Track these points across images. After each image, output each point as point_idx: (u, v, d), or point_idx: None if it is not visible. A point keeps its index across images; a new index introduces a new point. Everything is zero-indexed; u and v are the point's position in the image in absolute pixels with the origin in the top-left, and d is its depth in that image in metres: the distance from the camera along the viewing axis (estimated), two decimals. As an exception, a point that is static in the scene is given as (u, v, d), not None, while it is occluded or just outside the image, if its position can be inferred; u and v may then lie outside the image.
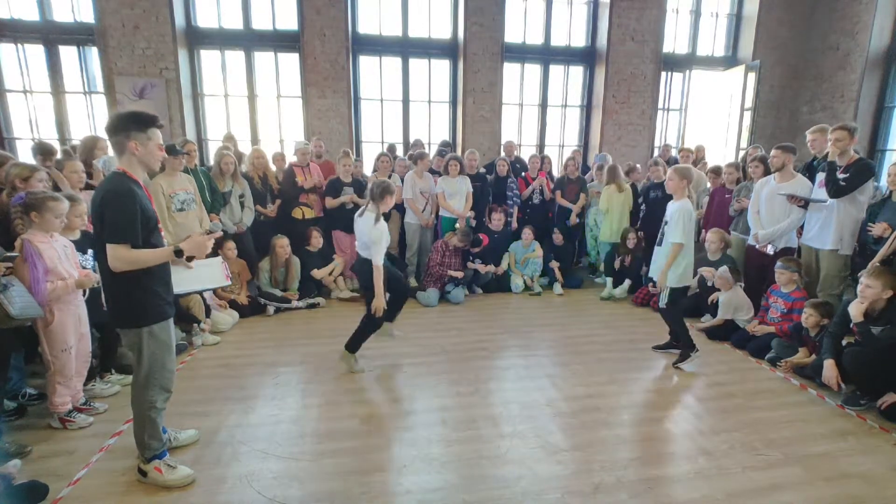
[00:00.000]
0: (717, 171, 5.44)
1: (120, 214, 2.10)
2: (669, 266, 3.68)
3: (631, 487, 2.43)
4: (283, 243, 5.01)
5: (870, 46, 6.91)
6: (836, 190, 3.77)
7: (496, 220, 5.80)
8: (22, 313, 2.49)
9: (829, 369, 3.20)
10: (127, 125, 2.17)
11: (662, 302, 3.85)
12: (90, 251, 3.15)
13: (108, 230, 2.10)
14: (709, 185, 5.67)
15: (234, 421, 2.97)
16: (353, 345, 3.69)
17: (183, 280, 2.65)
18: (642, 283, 5.42)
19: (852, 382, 3.28)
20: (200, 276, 2.95)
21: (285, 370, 3.69)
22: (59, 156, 4.33)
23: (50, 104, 6.68)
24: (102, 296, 3.16)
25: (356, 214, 3.68)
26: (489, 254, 5.78)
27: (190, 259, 2.38)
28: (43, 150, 4.28)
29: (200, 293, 4.15)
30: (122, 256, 2.10)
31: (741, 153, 7.02)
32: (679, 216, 3.60)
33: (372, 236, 3.42)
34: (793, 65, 8.02)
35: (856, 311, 3.15)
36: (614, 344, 4.26)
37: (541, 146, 8.17)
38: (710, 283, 4.70)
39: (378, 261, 3.45)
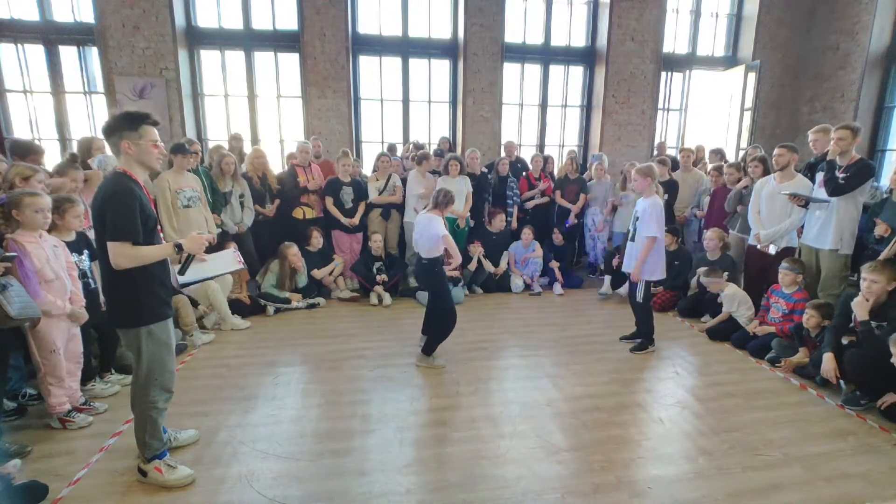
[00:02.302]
0: (719, 171, 5.44)
1: (120, 212, 2.10)
2: (644, 260, 3.86)
3: (631, 487, 2.43)
4: (293, 251, 4.98)
5: (870, 46, 6.91)
6: (835, 188, 3.77)
7: (497, 222, 5.81)
8: (21, 313, 2.49)
9: (828, 362, 3.21)
10: (119, 126, 2.18)
11: (638, 296, 4.00)
12: (86, 252, 3.15)
13: (109, 228, 2.10)
14: (710, 184, 5.66)
15: (234, 421, 2.97)
16: (433, 349, 3.77)
17: (196, 270, 2.64)
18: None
19: (852, 382, 3.28)
20: (214, 266, 2.96)
21: (285, 370, 3.69)
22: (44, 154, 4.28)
23: (50, 104, 6.68)
24: (101, 297, 3.19)
25: (418, 215, 3.88)
26: (489, 254, 5.79)
27: (190, 257, 2.37)
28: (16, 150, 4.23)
29: (214, 278, 4.18)
30: (124, 253, 2.11)
31: (741, 153, 7.02)
32: (651, 211, 3.80)
33: (430, 229, 3.62)
34: (793, 65, 8.02)
35: (861, 309, 3.14)
36: (614, 344, 4.26)
37: (541, 146, 8.18)
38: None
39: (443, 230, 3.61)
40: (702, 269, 4.73)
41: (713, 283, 4.52)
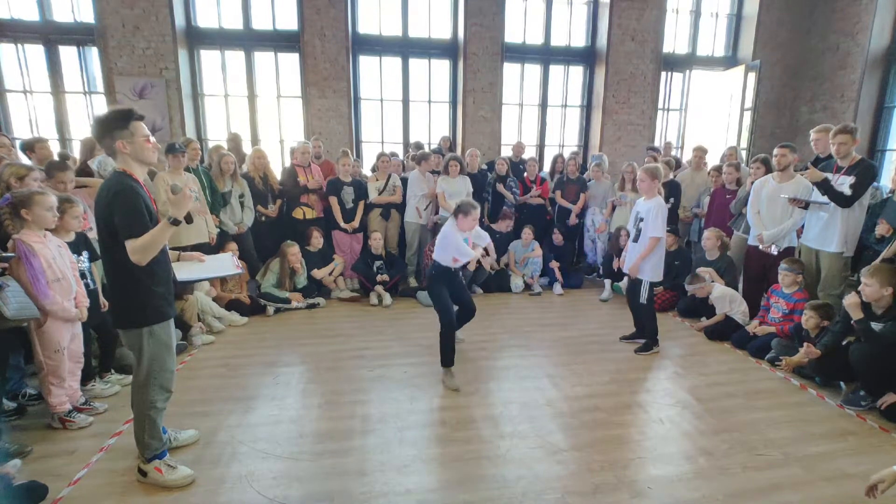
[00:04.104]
0: (719, 171, 5.45)
1: (128, 212, 2.10)
2: (643, 258, 3.87)
3: (631, 487, 2.43)
4: (294, 251, 4.99)
5: (870, 46, 6.91)
6: (846, 200, 3.76)
7: (504, 226, 5.82)
8: (18, 314, 2.48)
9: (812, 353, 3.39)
10: (108, 126, 2.14)
11: (642, 297, 3.99)
12: (85, 253, 3.15)
13: (122, 229, 2.09)
14: (711, 185, 5.66)
15: (234, 421, 2.97)
16: (446, 359, 3.57)
17: (193, 269, 2.64)
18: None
19: (856, 380, 3.27)
20: (211, 266, 2.93)
21: (285, 370, 3.69)
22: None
23: (50, 104, 6.68)
24: (101, 297, 3.19)
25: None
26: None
27: (189, 221, 2.31)
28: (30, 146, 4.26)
29: (210, 280, 4.27)
30: (135, 248, 2.09)
31: (742, 153, 7.00)
32: (656, 212, 3.80)
33: (443, 238, 3.58)
34: (793, 65, 8.02)
35: (854, 310, 3.16)
36: (614, 344, 4.26)
37: (541, 146, 8.18)
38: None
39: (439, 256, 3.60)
40: (701, 269, 4.73)
41: (697, 289, 4.55)
